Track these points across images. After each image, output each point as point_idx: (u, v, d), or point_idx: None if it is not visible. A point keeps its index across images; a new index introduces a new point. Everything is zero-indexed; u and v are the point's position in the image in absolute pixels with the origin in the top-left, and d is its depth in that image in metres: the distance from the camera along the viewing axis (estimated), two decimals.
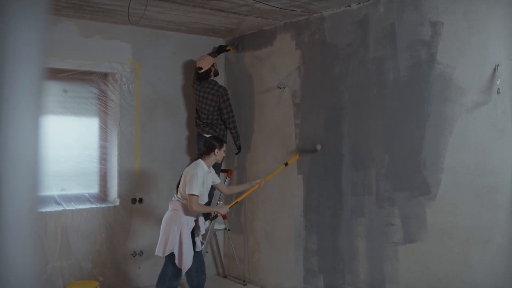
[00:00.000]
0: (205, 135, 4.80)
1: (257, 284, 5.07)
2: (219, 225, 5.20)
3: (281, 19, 4.60)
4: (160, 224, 4.03)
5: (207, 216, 4.73)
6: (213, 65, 4.97)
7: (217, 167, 4.66)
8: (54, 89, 4.63)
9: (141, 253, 4.99)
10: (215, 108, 4.86)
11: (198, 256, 3.94)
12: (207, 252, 5.24)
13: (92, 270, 4.71)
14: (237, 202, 4.55)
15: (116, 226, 4.86)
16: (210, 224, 4.87)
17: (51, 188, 4.59)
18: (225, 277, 5.42)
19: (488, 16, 3.21)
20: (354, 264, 4.06)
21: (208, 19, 4.63)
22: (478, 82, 3.25)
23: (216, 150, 3.98)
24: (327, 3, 4.04)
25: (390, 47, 3.78)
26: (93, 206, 4.78)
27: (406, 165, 3.68)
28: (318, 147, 4.34)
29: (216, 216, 4.27)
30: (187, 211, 3.89)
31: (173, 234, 3.81)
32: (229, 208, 4.20)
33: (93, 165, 4.86)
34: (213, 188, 4.74)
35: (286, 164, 4.54)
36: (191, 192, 3.79)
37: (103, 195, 4.96)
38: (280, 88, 4.75)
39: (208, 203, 4.16)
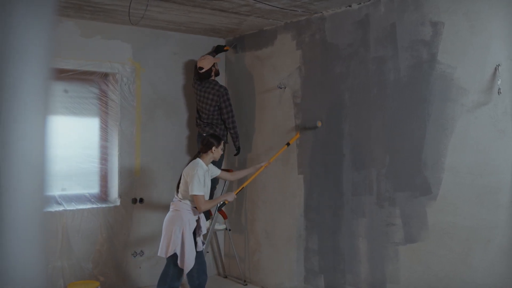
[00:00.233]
0: (206, 135, 4.80)
1: (258, 284, 5.07)
2: (220, 225, 5.20)
3: (282, 19, 4.60)
4: (161, 224, 4.02)
5: (208, 215, 4.74)
6: (214, 65, 4.97)
7: (217, 166, 4.66)
8: (54, 89, 4.63)
9: (141, 253, 5.00)
10: (215, 108, 4.86)
11: (199, 257, 3.94)
12: (207, 252, 5.24)
13: (93, 270, 4.71)
14: (243, 188, 4.55)
15: (117, 226, 4.86)
16: (210, 224, 4.87)
17: (52, 188, 4.59)
18: (226, 277, 5.42)
19: (489, 16, 3.21)
20: (354, 264, 4.06)
21: (209, 19, 4.63)
22: (479, 82, 3.25)
23: (213, 148, 3.98)
24: (327, 3, 4.04)
25: (391, 47, 3.78)
26: (94, 206, 4.78)
27: (407, 165, 3.68)
28: (319, 123, 4.34)
29: (224, 204, 4.25)
30: (188, 210, 3.88)
31: (175, 235, 3.81)
32: (236, 194, 4.21)
33: (94, 165, 4.86)
34: (213, 189, 4.75)
35: (288, 144, 4.53)
36: (195, 193, 3.79)
37: (103, 195, 4.96)
38: (281, 88, 4.75)
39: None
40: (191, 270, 3.88)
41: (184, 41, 5.24)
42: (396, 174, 3.76)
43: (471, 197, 3.30)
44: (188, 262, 3.81)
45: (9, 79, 1.26)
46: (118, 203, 4.89)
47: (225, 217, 5.19)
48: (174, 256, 3.85)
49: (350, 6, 4.08)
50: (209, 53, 5.18)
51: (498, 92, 3.12)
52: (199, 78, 4.97)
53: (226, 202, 4.21)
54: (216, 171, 4.20)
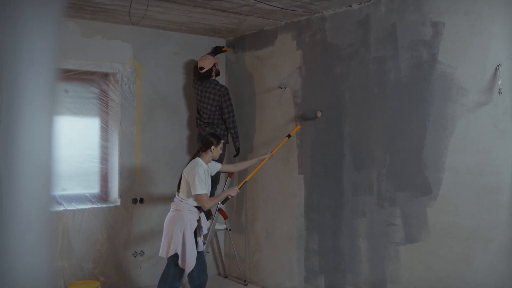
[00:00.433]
0: (205, 134, 4.80)
1: (258, 284, 5.07)
2: (220, 225, 5.20)
3: (282, 19, 4.60)
4: (161, 224, 4.02)
5: (208, 215, 4.74)
6: (214, 65, 4.97)
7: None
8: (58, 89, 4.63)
9: (142, 253, 5.00)
10: (216, 108, 4.86)
11: (200, 257, 3.94)
12: (208, 252, 5.24)
13: (93, 270, 4.72)
14: (246, 181, 4.56)
15: (117, 226, 4.86)
16: (211, 224, 4.87)
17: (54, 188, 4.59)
18: (226, 277, 5.42)
19: (489, 16, 3.21)
20: (355, 264, 4.06)
21: (209, 19, 4.63)
22: (480, 82, 3.25)
23: (212, 147, 3.98)
24: (328, 3, 4.04)
25: (391, 47, 3.78)
26: (94, 206, 4.78)
27: (407, 165, 3.68)
28: (319, 114, 4.33)
29: (227, 199, 4.26)
30: (189, 210, 3.88)
31: (176, 235, 3.81)
32: (239, 188, 4.23)
33: (94, 165, 4.86)
34: (214, 188, 4.75)
35: (289, 136, 4.53)
36: (198, 192, 3.79)
37: (104, 195, 4.96)
38: (281, 88, 4.75)
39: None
40: (192, 270, 3.88)
41: (184, 41, 5.25)
42: (397, 174, 3.76)
43: (472, 197, 3.30)
44: (189, 262, 3.81)
45: (16, 79, 1.26)
46: (118, 203, 4.89)
47: (225, 217, 5.20)
48: (175, 256, 3.85)
49: (350, 6, 4.08)
50: (209, 54, 5.18)
51: (499, 92, 3.12)
52: (199, 78, 4.97)
53: (229, 197, 4.21)
54: (217, 166, 4.21)
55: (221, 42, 5.47)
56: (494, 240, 3.19)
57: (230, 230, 5.27)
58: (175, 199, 4.00)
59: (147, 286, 4.97)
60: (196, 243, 3.90)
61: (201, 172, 3.85)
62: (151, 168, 5.06)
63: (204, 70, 4.89)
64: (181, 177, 3.98)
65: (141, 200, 5.00)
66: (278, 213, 4.84)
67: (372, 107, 3.94)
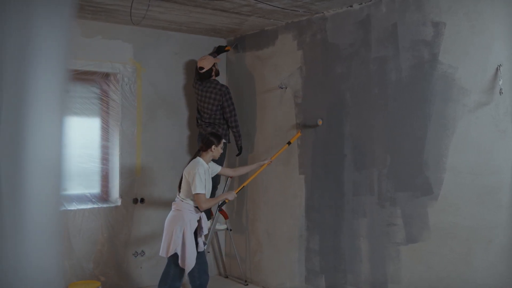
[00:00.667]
0: (206, 133, 4.80)
1: (259, 284, 5.07)
2: (221, 225, 5.20)
3: (283, 19, 4.60)
4: (162, 224, 4.03)
5: (209, 215, 4.74)
6: (214, 65, 4.98)
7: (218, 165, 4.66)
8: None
9: (142, 253, 5.00)
10: (218, 108, 4.87)
11: (200, 257, 3.94)
12: (208, 252, 5.24)
13: (94, 270, 4.72)
14: (244, 186, 4.55)
15: (118, 226, 4.86)
16: (211, 224, 4.87)
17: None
18: (227, 277, 5.42)
19: (490, 16, 3.21)
20: (356, 264, 4.06)
21: (210, 19, 4.63)
22: (481, 82, 3.25)
23: (213, 146, 3.98)
24: (329, 3, 4.04)
25: (392, 47, 3.78)
26: (95, 206, 4.78)
27: (408, 165, 3.68)
28: (319, 122, 4.34)
29: (224, 202, 4.26)
30: (190, 210, 3.88)
31: (176, 235, 3.81)
32: (236, 193, 4.22)
33: (95, 165, 4.86)
34: (214, 188, 4.75)
35: (289, 143, 4.54)
36: (197, 192, 3.79)
37: (104, 195, 4.96)
38: (282, 88, 4.75)
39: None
40: (193, 270, 3.88)
41: (185, 41, 5.25)
42: (397, 174, 3.76)
43: (472, 197, 3.30)
44: (189, 262, 3.82)
45: (27, 80, 1.27)
46: (119, 203, 4.89)
47: (226, 217, 5.20)
48: (175, 256, 3.85)
49: (351, 6, 4.08)
50: (210, 54, 5.19)
51: (500, 92, 3.12)
52: (199, 78, 4.97)
53: (226, 200, 4.21)
54: (217, 168, 4.21)
55: (221, 42, 5.47)
56: (494, 240, 3.19)
57: (231, 230, 5.27)
58: (176, 199, 4.00)
59: (147, 286, 4.97)
60: (197, 243, 3.90)
61: (201, 171, 3.85)
62: (151, 168, 5.06)
63: (204, 70, 4.89)
64: (182, 177, 3.98)
65: (142, 200, 5.00)
66: (279, 213, 4.84)
67: (373, 107, 3.94)
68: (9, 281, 1.23)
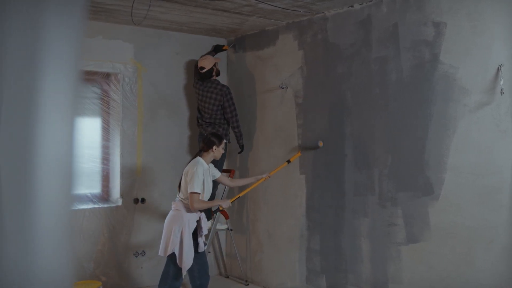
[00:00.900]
0: (207, 133, 4.80)
1: (260, 284, 5.07)
2: (221, 225, 5.20)
3: (284, 19, 4.60)
4: (162, 224, 4.02)
5: (209, 216, 4.74)
6: (215, 65, 4.98)
7: (219, 167, 4.66)
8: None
9: (143, 253, 5.00)
10: (218, 108, 4.87)
11: (201, 257, 3.93)
12: (209, 252, 5.24)
13: (95, 270, 4.72)
14: (239, 196, 4.55)
15: (119, 226, 4.86)
16: (212, 224, 4.87)
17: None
18: (227, 277, 5.43)
19: (491, 16, 3.21)
20: (356, 264, 4.06)
21: (210, 19, 4.63)
22: (482, 83, 3.25)
23: (214, 147, 3.98)
24: (330, 3, 4.04)
25: (393, 47, 3.78)
26: (96, 206, 4.78)
27: (409, 165, 3.68)
28: (320, 144, 4.34)
29: (218, 209, 4.26)
30: (189, 210, 3.88)
31: (174, 234, 3.81)
32: (231, 202, 4.21)
33: (96, 165, 4.86)
34: (215, 189, 4.75)
35: (289, 161, 4.54)
36: (192, 190, 3.78)
37: (105, 195, 4.96)
38: (283, 88, 4.75)
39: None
40: (193, 270, 3.88)
41: (185, 41, 5.25)
42: (398, 174, 3.76)
43: (473, 197, 3.30)
44: (186, 262, 3.81)
45: (38, 81, 1.27)
46: (119, 203, 4.89)
47: (227, 217, 5.19)
48: (174, 256, 3.85)
49: (352, 6, 4.08)
50: (208, 53, 5.19)
51: (501, 93, 3.12)
52: (200, 78, 4.97)
53: (220, 208, 4.21)
54: (217, 173, 4.18)
55: (222, 42, 5.47)
56: (495, 240, 3.19)
57: (231, 230, 5.27)
58: (176, 199, 4.00)
59: (148, 286, 4.97)
60: (197, 243, 3.90)
61: (200, 171, 3.85)
62: (152, 168, 5.06)
63: (205, 70, 4.89)
64: (182, 176, 3.98)
65: (143, 200, 5.00)
66: (279, 213, 4.84)
67: (373, 107, 3.94)
68: (18, 282, 1.23)
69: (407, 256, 3.69)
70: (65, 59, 1.32)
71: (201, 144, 4.10)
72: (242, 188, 4.72)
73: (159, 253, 3.94)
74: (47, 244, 1.28)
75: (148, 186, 5.04)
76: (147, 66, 5.02)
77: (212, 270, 5.37)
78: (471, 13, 3.30)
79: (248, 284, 5.12)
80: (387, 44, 3.82)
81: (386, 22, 3.83)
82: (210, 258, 5.28)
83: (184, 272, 3.88)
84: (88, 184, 4.86)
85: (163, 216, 4.14)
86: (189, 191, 3.79)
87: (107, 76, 4.88)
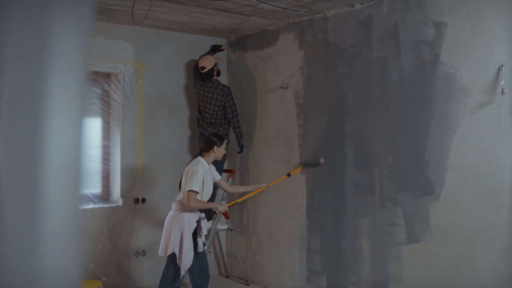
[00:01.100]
0: (208, 134, 4.80)
1: (260, 284, 5.07)
2: (222, 225, 5.20)
3: (284, 19, 4.61)
4: (163, 224, 4.03)
5: (209, 216, 4.74)
6: (215, 65, 4.98)
7: (219, 167, 4.66)
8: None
9: (143, 253, 5.00)
10: (219, 108, 4.87)
11: (201, 257, 3.93)
12: (209, 252, 5.24)
13: (95, 270, 4.72)
14: (237, 202, 4.55)
15: (119, 226, 4.86)
16: (212, 225, 4.87)
17: None
18: (228, 277, 5.43)
19: (492, 16, 3.21)
20: (357, 264, 4.06)
21: (211, 19, 4.63)
22: (482, 83, 3.25)
23: (215, 147, 3.97)
24: (330, 3, 4.04)
25: (394, 47, 3.78)
26: (96, 206, 4.78)
27: (410, 165, 3.68)
28: (321, 160, 4.34)
29: (214, 213, 4.26)
30: (189, 210, 3.88)
31: (174, 234, 3.81)
32: (228, 206, 4.20)
33: (96, 165, 4.86)
34: (215, 189, 4.75)
35: (289, 174, 4.56)
36: (190, 188, 3.76)
37: (105, 195, 4.96)
38: (283, 88, 4.75)
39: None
40: (193, 270, 3.89)
41: (186, 41, 5.25)
42: (399, 174, 3.76)
43: (474, 197, 3.30)
44: (186, 262, 3.81)
45: (46, 82, 1.27)
46: (120, 203, 4.89)
47: (227, 217, 5.19)
48: (174, 256, 3.85)
49: (352, 6, 4.08)
50: (207, 53, 5.18)
51: (502, 92, 3.12)
52: (201, 78, 4.97)
53: (217, 211, 4.20)
54: (217, 176, 4.17)
55: (222, 42, 5.47)
56: (496, 240, 3.19)
57: (232, 230, 5.27)
58: (176, 199, 4.00)
59: (149, 286, 4.97)
60: (197, 243, 3.90)
61: (200, 170, 3.85)
62: (152, 168, 5.06)
63: (205, 70, 4.89)
64: (182, 176, 3.98)
65: (143, 200, 5.00)
66: (280, 213, 4.84)
67: (374, 107, 3.94)
68: (26, 282, 1.23)
69: (408, 256, 3.69)
70: (73, 60, 1.32)
71: (202, 145, 4.10)
72: (242, 194, 4.71)
73: (159, 253, 3.94)
74: (55, 244, 1.28)
75: (148, 186, 5.04)
76: (147, 66, 5.02)
77: (213, 270, 5.37)
78: (472, 13, 3.30)
79: (248, 284, 5.12)
80: (388, 44, 3.82)
81: (386, 22, 3.83)
82: (210, 258, 5.28)
83: (183, 272, 3.88)
84: (88, 184, 4.85)
85: (164, 216, 4.14)
86: (187, 189, 3.78)
87: (107, 76, 4.88)
